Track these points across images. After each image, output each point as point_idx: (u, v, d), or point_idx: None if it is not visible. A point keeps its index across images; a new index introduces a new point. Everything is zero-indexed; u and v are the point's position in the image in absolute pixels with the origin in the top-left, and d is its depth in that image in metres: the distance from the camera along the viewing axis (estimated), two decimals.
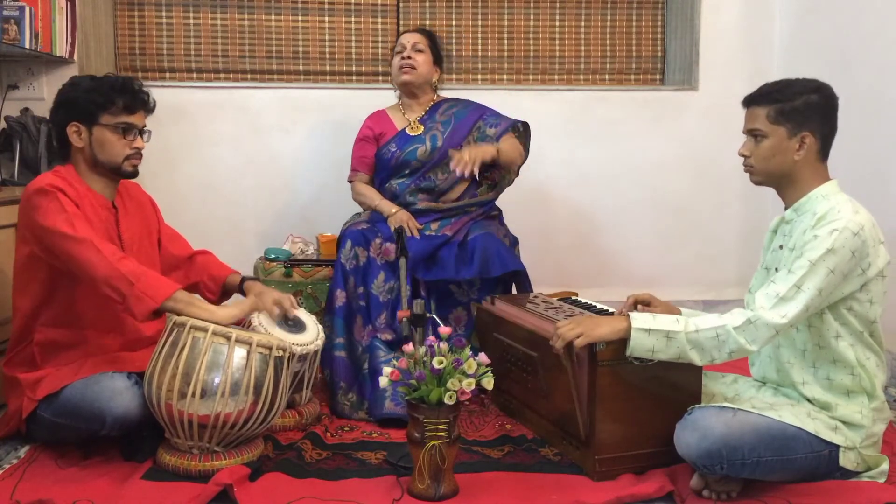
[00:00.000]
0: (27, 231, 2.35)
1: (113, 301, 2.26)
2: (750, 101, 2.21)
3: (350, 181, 3.33)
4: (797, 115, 2.13)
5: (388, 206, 3.14)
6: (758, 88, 2.21)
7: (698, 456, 2.04)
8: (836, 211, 2.07)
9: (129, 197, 2.56)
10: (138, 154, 2.44)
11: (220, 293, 2.67)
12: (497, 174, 3.30)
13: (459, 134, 3.22)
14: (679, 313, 2.33)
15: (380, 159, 3.26)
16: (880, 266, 2.10)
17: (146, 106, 2.44)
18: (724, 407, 2.11)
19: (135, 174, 2.47)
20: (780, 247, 2.22)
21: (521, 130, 3.29)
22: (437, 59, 3.31)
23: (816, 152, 2.16)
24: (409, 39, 3.26)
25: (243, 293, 2.61)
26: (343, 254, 2.99)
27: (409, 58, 3.23)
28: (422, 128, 3.25)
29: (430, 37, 3.32)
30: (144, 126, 2.45)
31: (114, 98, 2.36)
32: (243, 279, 2.65)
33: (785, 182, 2.19)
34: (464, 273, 2.92)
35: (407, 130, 3.25)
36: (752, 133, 2.19)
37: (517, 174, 3.29)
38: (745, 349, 2.05)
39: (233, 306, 2.38)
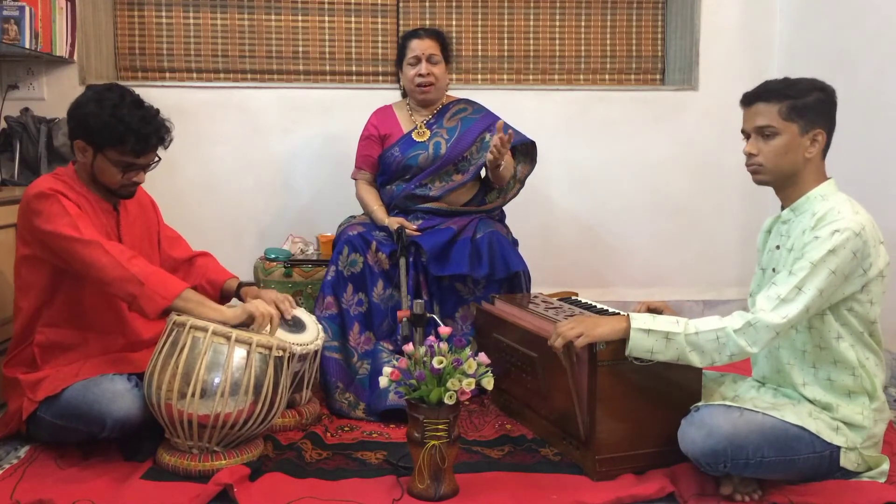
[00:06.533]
0: (28, 234, 2.35)
1: (123, 301, 2.26)
2: (756, 98, 2.17)
3: (353, 178, 3.31)
4: (809, 112, 2.12)
5: (381, 217, 3.09)
6: (761, 85, 2.18)
7: (703, 454, 2.04)
8: (837, 211, 2.07)
9: (130, 199, 2.56)
10: (135, 185, 2.43)
11: (219, 298, 2.66)
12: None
13: (464, 142, 3.15)
14: None
15: (383, 162, 3.22)
16: (881, 266, 2.10)
17: (157, 148, 2.40)
18: (730, 406, 2.10)
19: (130, 196, 2.46)
20: (777, 247, 2.22)
21: (528, 146, 3.25)
22: (448, 61, 3.22)
23: (822, 150, 2.16)
24: (423, 49, 3.12)
25: (241, 298, 2.61)
26: (341, 260, 2.97)
27: (428, 74, 3.11)
28: (428, 133, 3.18)
29: (442, 40, 3.19)
30: (152, 162, 2.41)
31: (126, 139, 2.30)
32: (240, 285, 2.65)
33: (790, 181, 2.18)
34: (477, 271, 2.90)
35: (413, 135, 3.18)
36: (762, 130, 2.15)
37: (522, 184, 3.27)
38: (745, 351, 2.05)
39: (238, 308, 2.36)
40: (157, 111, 2.39)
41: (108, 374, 2.30)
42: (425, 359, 2.11)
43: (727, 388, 2.41)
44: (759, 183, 2.23)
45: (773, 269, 2.21)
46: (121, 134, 2.29)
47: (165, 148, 2.42)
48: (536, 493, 2.15)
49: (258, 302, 2.39)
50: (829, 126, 2.15)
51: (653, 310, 2.40)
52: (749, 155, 2.19)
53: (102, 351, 2.41)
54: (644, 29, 4.17)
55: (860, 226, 2.04)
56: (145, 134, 2.32)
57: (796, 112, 2.12)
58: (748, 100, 2.19)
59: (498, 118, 3.24)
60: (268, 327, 2.34)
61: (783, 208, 2.22)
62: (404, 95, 3.34)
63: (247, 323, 2.33)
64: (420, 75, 3.12)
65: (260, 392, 2.23)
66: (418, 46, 3.14)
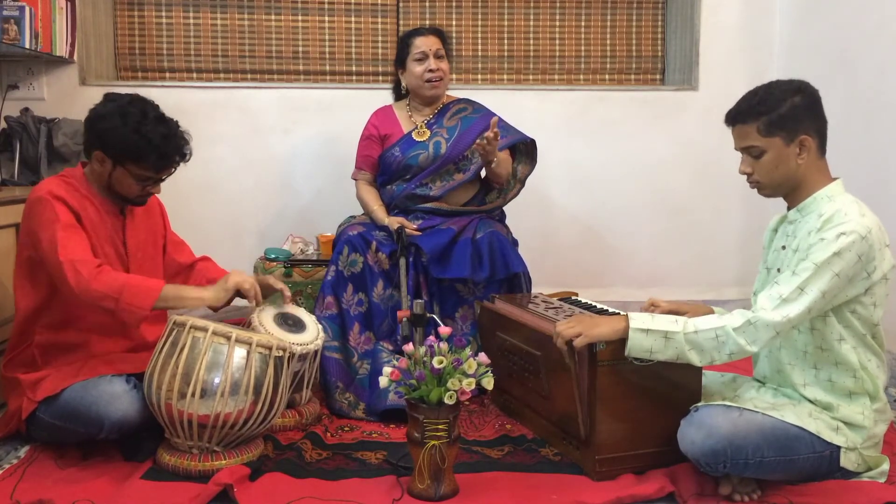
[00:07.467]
0: (26, 236, 2.36)
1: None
2: (735, 120, 2.16)
3: (354, 178, 3.31)
4: (788, 122, 2.10)
5: (381, 217, 3.09)
6: (737, 104, 2.16)
7: (702, 454, 2.04)
8: (843, 213, 2.05)
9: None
10: (149, 195, 2.45)
11: None
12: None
13: (464, 142, 3.14)
14: (712, 312, 2.31)
15: (383, 162, 3.21)
16: (885, 270, 2.09)
17: (178, 164, 2.41)
18: (729, 406, 2.10)
19: (143, 204, 2.49)
20: (783, 247, 2.21)
21: (529, 145, 3.24)
22: (449, 60, 3.23)
23: (816, 150, 2.14)
24: (429, 45, 3.14)
25: (240, 295, 2.61)
26: (341, 260, 2.97)
27: (437, 68, 3.13)
28: (428, 132, 3.17)
29: (444, 37, 3.22)
30: (169, 174, 2.43)
31: (149, 157, 2.31)
32: None
33: (792, 187, 2.17)
34: (478, 274, 2.90)
35: (413, 135, 3.18)
36: (748, 151, 2.15)
37: (523, 184, 3.27)
38: (745, 350, 2.04)
39: (216, 286, 2.42)
40: (177, 124, 2.39)
41: (107, 375, 2.30)
42: (425, 359, 2.11)
43: (727, 388, 2.40)
44: (766, 196, 2.21)
45: (778, 270, 2.20)
46: (145, 152, 2.30)
47: (185, 163, 2.43)
48: (536, 493, 2.15)
49: (233, 273, 2.44)
50: (815, 126, 2.12)
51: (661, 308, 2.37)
52: (745, 174, 2.19)
53: (103, 352, 2.41)
54: (644, 29, 4.17)
55: (867, 229, 2.03)
56: (168, 153, 2.34)
57: (775, 125, 2.10)
58: (729, 121, 2.18)
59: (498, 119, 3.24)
60: (264, 317, 2.38)
61: (789, 208, 2.21)
62: (398, 97, 3.34)
63: (229, 300, 2.39)
64: (431, 70, 3.13)
65: (260, 392, 2.23)
66: (424, 43, 3.15)
